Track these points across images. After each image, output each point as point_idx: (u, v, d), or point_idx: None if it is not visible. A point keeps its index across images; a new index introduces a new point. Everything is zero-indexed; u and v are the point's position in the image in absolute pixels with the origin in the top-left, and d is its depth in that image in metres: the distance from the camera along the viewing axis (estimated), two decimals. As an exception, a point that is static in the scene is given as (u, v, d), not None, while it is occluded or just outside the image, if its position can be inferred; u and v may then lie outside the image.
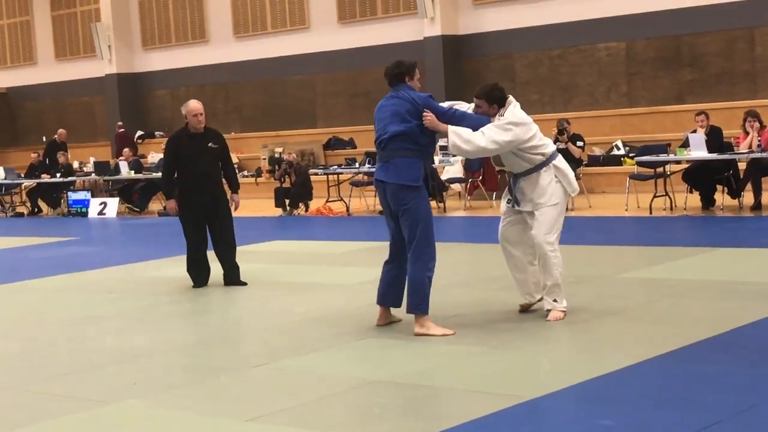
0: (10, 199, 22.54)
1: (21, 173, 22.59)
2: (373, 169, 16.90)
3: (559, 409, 5.21)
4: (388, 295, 7.27)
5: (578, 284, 8.67)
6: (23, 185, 22.44)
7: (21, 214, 21.45)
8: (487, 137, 6.89)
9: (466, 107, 7.29)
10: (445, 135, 6.93)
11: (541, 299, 7.42)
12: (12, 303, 9.71)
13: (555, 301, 7.27)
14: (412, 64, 7.11)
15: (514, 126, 7.01)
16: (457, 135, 6.86)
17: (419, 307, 6.96)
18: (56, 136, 22.68)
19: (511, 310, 7.76)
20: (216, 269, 9.74)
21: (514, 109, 7.12)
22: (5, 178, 22.54)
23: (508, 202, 7.43)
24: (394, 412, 5.33)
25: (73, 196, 20.49)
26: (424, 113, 6.85)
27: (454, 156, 16.05)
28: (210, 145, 9.65)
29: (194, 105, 9.67)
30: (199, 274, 9.65)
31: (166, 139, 10.39)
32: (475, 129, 6.90)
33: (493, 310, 7.79)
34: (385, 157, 6.96)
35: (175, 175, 9.61)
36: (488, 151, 7.00)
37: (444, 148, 18.31)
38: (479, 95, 7.16)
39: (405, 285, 7.11)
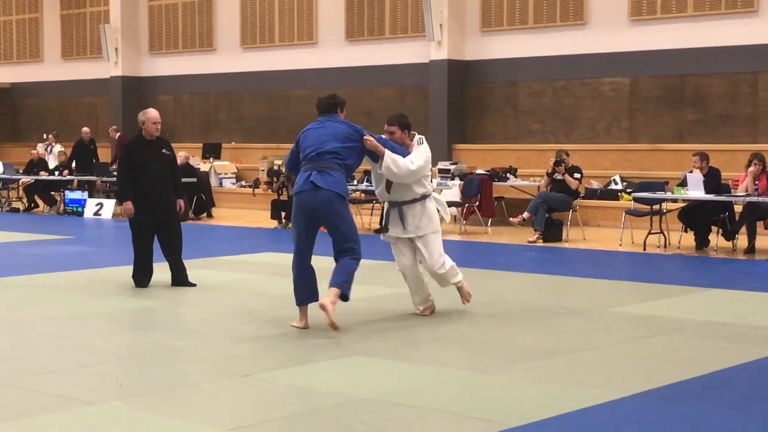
0: (7, 194, 22.55)
1: (20, 169, 22.61)
2: (371, 188, 17.00)
3: (541, 438, 5.23)
4: (312, 292, 7.95)
5: (567, 316, 8.71)
6: (21, 181, 22.46)
7: (17, 210, 21.46)
8: (412, 163, 8.02)
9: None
10: (379, 156, 7.93)
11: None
12: (1, 298, 9.70)
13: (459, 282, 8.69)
14: (344, 100, 8.15)
15: (427, 155, 8.22)
16: (392, 160, 7.93)
17: (344, 285, 7.78)
18: (82, 135, 22.57)
19: (497, 335, 7.79)
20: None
21: (424, 142, 8.30)
22: (4, 173, 22.56)
23: (384, 231, 8.49)
24: (377, 429, 5.34)
25: (70, 195, 20.51)
26: (365, 137, 7.86)
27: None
28: (163, 151, 10.24)
29: (154, 113, 10.28)
30: (144, 276, 10.16)
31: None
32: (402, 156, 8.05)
33: (481, 336, 7.82)
34: (321, 167, 7.73)
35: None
36: (413, 175, 8.07)
37: (441, 171, 18.39)
38: (392, 123, 8.26)
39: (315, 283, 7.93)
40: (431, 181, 8.76)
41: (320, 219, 7.78)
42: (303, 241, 7.88)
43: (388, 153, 7.93)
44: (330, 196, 7.68)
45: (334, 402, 5.85)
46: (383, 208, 8.72)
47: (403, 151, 8.14)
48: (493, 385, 6.28)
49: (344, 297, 7.81)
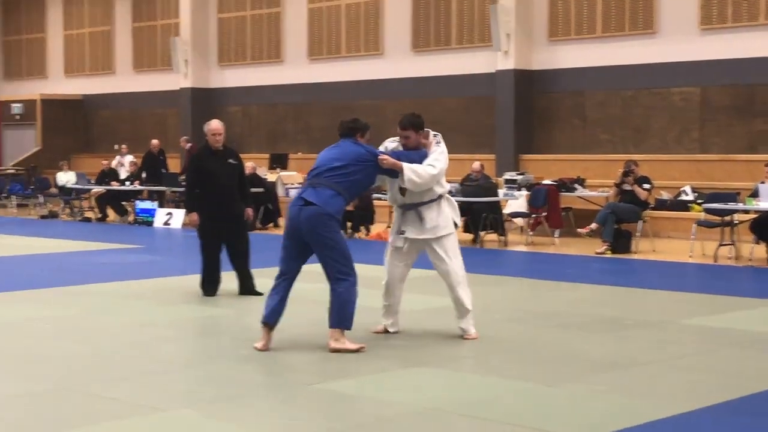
0: (79, 204, 22.94)
1: (91, 179, 22.99)
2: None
3: (610, 451, 5.18)
4: (279, 313, 7.59)
5: (637, 328, 8.60)
6: (92, 191, 22.84)
7: (89, 219, 21.81)
8: (433, 167, 7.71)
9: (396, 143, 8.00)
10: (399, 172, 7.60)
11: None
12: (74, 305, 9.87)
13: (470, 326, 8.06)
14: (367, 125, 7.83)
15: (445, 155, 7.88)
16: (413, 171, 7.62)
17: (343, 323, 7.41)
18: (151, 147, 23.00)
19: (565, 347, 7.72)
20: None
21: (441, 140, 7.95)
22: (76, 183, 22.97)
23: (400, 233, 8.00)
24: (443, 441, 5.33)
25: (140, 205, 20.80)
26: (380, 157, 7.57)
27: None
28: (230, 161, 10.31)
29: (214, 125, 10.32)
30: (212, 285, 10.25)
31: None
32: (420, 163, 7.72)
33: (548, 347, 7.76)
34: (316, 184, 7.50)
35: (197, 191, 10.27)
36: (434, 178, 7.74)
37: (508, 181, 18.32)
38: (406, 126, 7.87)
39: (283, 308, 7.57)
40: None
41: (305, 239, 7.43)
42: (286, 261, 7.61)
43: (406, 166, 7.61)
44: (315, 212, 7.36)
45: (400, 413, 5.85)
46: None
47: (419, 154, 7.80)
48: (562, 398, 6.22)
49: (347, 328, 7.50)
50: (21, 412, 5.94)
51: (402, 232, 7.98)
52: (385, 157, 7.62)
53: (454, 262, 7.98)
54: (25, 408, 6.02)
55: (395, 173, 7.68)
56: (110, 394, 6.26)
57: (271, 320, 7.58)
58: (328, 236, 7.39)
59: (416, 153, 7.83)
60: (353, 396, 6.28)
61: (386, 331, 8.22)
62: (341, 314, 7.41)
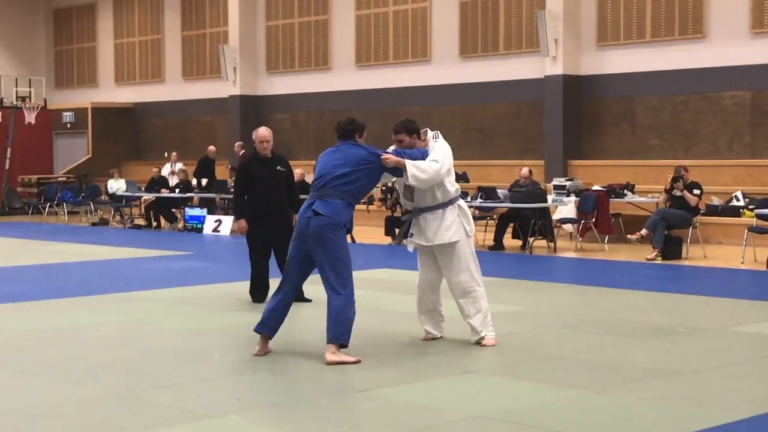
0: (129, 210, 23.16)
1: (141, 186, 23.22)
2: (486, 204, 16.87)
3: (661, 459, 5.12)
4: (276, 323, 7.62)
5: (688, 335, 8.51)
6: (143, 198, 23.06)
7: (139, 227, 22.03)
8: (435, 162, 7.62)
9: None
10: (402, 170, 7.55)
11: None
12: (125, 312, 9.97)
13: (489, 330, 7.97)
14: (363, 125, 7.77)
15: (447, 149, 7.78)
16: (415, 167, 7.54)
17: (341, 338, 7.31)
18: (209, 153, 23.50)
19: (616, 354, 7.65)
20: None
21: (440, 136, 7.86)
22: (126, 191, 23.20)
23: (407, 236, 7.98)
24: (492, 448, 5.30)
25: (190, 212, 20.96)
26: (383, 156, 7.52)
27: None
28: (278, 168, 10.36)
29: (262, 132, 10.34)
30: (260, 291, 10.29)
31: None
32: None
33: (597, 354, 7.69)
34: (324, 195, 7.43)
35: (245, 197, 10.33)
36: (440, 174, 7.64)
37: (557, 187, 18.22)
38: (398, 131, 7.83)
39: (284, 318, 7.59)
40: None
41: (310, 250, 7.38)
42: (291, 270, 7.56)
43: (409, 162, 7.53)
44: (325, 222, 7.31)
45: (450, 420, 5.83)
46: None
47: (421, 152, 7.73)
48: (613, 405, 6.17)
49: (343, 346, 7.38)
50: (72, 417, 6.00)
51: (411, 235, 7.95)
52: (388, 156, 7.57)
53: (457, 273, 7.85)
54: (77, 414, 6.07)
55: (400, 171, 7.61)
56: (160, 401, 6.30)
57: (264, 329, 7.60)
58: (335, 243, 7.35)
59: (418, 151, 7.77)
60: (402, 403, 6.26)
61: (432, 338, 8.18)
62: (336, 330, 7.31)
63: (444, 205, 7.84)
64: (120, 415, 6.01)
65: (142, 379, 6.97)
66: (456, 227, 7.82)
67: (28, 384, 6.87)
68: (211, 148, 23.84)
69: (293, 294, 7.70)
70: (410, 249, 8.11)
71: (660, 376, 6.92)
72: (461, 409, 6.04)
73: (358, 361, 7.30)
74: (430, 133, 7.90)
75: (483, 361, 7.46)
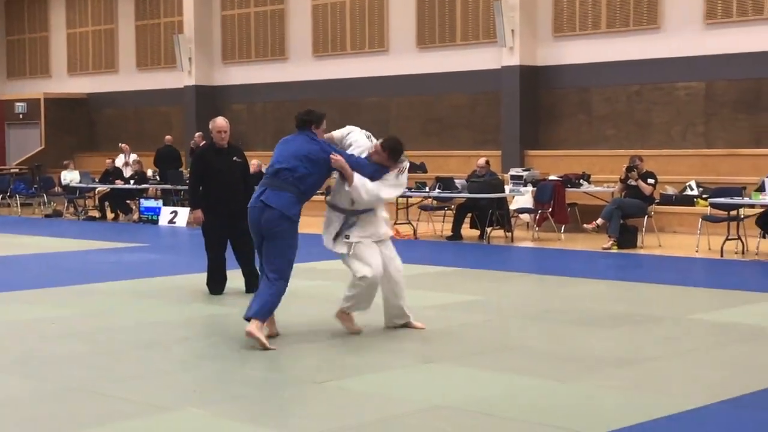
0: (83, 202, 22.93)
1: (95, 178, 22.98)
2: (444, 194, 16.91)
3: (622, 447, 5.14)
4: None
5: (646, 323, 8.58)
6: (97, 190, 22.82)
7: (93, 218, 21.80)
8: (384, 191, 7.79)
9: (357, 133, 8.05)
10: (347, 178, 7.65)
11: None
12: (80, 305, 9.86)
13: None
14: (321, 115, 7.84)
15: (401, 189, 8.14)
16: (364, 186, 7.66)
17: (260, 314, 7.49)
18: (166, 142, 23.38)
19: (576, 343, 7.70)
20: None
21: (405, 173, 8.02)
22: (80, 182, 22.95)
23: (345, 238, 7.91)
24: (454, 438, 5.30)
25: (145, 203, 20.78)
26: (332, 155, 7.61)
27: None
28: (234, 159, 10.30)
29: (219, 122, 10.29)
30: (217, 283, 10.28)
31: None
32: (370, 179, 7.71)
33: (558, 343, 7.73)
34: (275, 185, 7.58)
35: (201, 188, 10.28)
36: (382, 200, 7.87)
37: (514, 177, 18.29)
38: (385, 148, 7.81)
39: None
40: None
41: (264, 237, 7.59)
42: (262, 258, 7.76)
43: (359, 179, 7.63)
44: (276, 216, 7.51)
45: (411, 410, 5.82)
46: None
47: (371, 168, 7.77)
48: (573, 394, 6.19)
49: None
50: (29, 412, 5.91)
51: (347, 237, 7.90)
52: (338, 158, 7.64)
53: (397, 258, 8.15)
54: (34, 408, 5.98)
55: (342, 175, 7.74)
56: (119, 394, 6.23)
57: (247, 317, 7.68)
58: (285, 236, 7.57)
59: (370, 166, 7.80)
60: (362, 393, 6.24)
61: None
62: (264, 309, 7.52)
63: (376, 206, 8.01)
64: (77, 409, 5.94)
65: (99, 372, 6.89)
66: (383, 224, 8.08)
67: (-17, 378, 6.77)
68: (168, 137, 23.67)
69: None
70: (344, 251, 7.93)
71: (620, 364, 6.96)
72: (423, 399, 6.03)
73: (270, 348, 7.43)
74: (401, 166, 7.95)
75: (443, 351, 7.46)
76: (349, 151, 7.95)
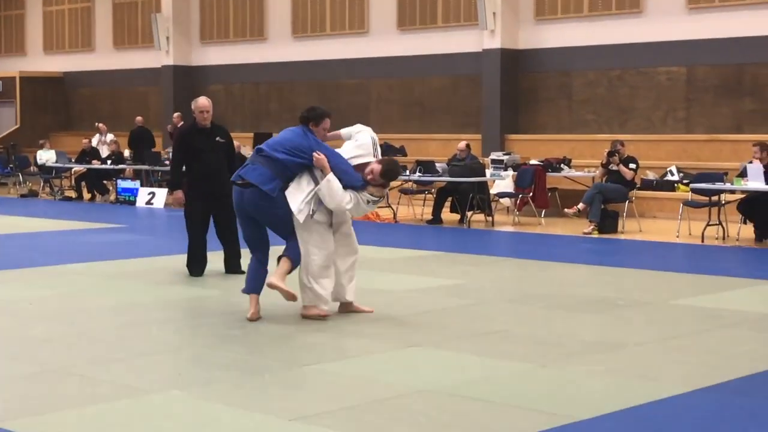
0: (59, 182, 22.72)
1: (72, 158, 22.76)
2: (424, 178, 16.83)
3: (608, 431, 5.10)
4: (258, 284, 7.88)
5: (630, 308, 8.55)
6: (73, 170, 22.61)
7: (69, 198, 21.61)
8: (349, 202, 7.69)
9: (366, 134, 8.05)
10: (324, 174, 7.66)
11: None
12: (58, 285, 9.73)
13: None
14: (322, 114, 7.94)
15: (367, 208, 7.93)
16: (329, 187, 7.62)
17: (297, 261, 7.74)
18: (137, 122, 23.26)
19: (559, 328, 7.65)
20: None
21: (378, 201, 7.99)
22: (56, 162, 22.73)
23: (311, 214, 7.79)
24: (440, 423, 5.24)
25: (123, 184, 20.60)
26: (315, 154, 7.66)
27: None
28: (217, 139, 10.15)
29: (202, 102, 10.13)
30: (198, 264, 10.18)
31: None
32: (346, 187, 7.68)
33: (541, 328, 7.68)
34: (257, 161, 7.74)
35: (183, 168, 10.17)
36: (342, 209, 7.75)
37: (494, 161, 18.24)
38: (384, 174, 7.75)
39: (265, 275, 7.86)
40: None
41: (252, 216, 7.79)
42: (250, 237, 7.92)
43: (329, 179, 7.61)
44: (254, 196, 7.67)
45: (396, 394, 5.76)
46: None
47: (354, 179, 7.75)
48: (557, 379, 6.15)
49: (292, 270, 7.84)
50: (6, 394, 5.81)
51: (313, 213, 7.79)
52: (321, 158, 7.68)
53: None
54: (11, 391, 5.88)
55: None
56: (99, 376, 6.13)
57: (256, 291, 7.87)
58: (272, 211, 7.71)
59: (353, 177, 7.77)
60: (348, 377, 6.18)
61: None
62: (298, 258, 7.73)
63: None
64: (58, 391, 5.84)
65: (79, 354, 6.79)
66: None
67: (-41, 359, 6.65)
68: (139, 118, 23.48)
69: (268, 250, 7.96)
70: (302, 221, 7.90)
71: (604, 349, 6.92)
72: (408, 383, 5.97)
73: (294, 298, 7.71)
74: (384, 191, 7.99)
75: (426, 335, 7.39)
76: (348, 144, 8.05)
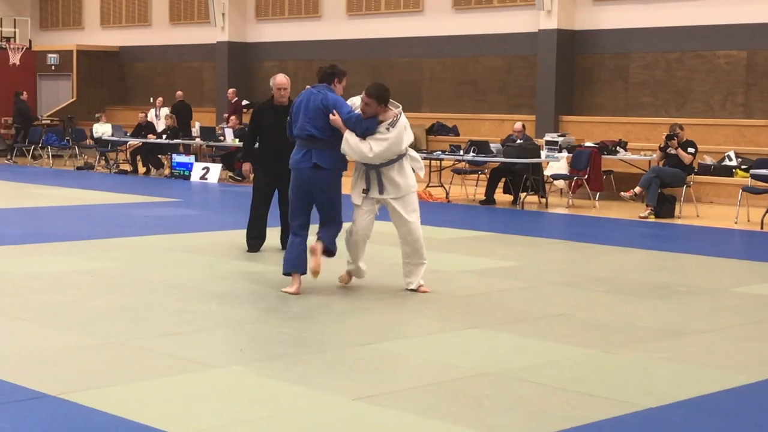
0: (115, 155, 22.89)
1: (127, 131, 22.91)
2: (478, 158, 16.72)
3: (678, 420, 5.02)
4: (304, 261, 8.10)
5: (692, 294, 8.44)
6: (129, 144, 22.77)
7: (125, 172, 21.77)
8: (371, 149, 7.83)
9: (357, 97, 8.13)
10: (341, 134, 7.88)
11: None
12: (117, 258, 9.79)
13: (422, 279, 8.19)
14: (344, 72, 8.20)
15: (392, 141, 7.89)
16: (347, 142, 7.83)
17: (333, 245, 8.14)
18: (178, 98, 23.48)
19: (620, 313, 7.57)
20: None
21: (400, 125, 7.93)
22: (112, 135, 22.90)
23: (363, 192, 8.09)
24: (504, 406, 5.20)
25: (177, 158, 20.70)
26: (332, 116, 7.86)
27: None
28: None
29: (280, 79, 10.15)
30: (257, 240, 10.25)
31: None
32: (363, 136, 7.86)
33: (601, 313, 7.61)
34: (318, 145, 7.95)
35: (256, 144, 10.31)
36: (368, 158, 7.89)
37: (549, 143, 18.09)
38: (370, 95, 7.86)
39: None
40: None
41: (314, 194, 8.01)
42: (301, 214, 8.10)
43: (347, 135, 7.84)
44: (329, 176, 7.98)
45: (458, 376, 5.72)
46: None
47: (363, 125, 7.88)
48: (622, 365, 6.08)
49: (330, 252, 8.10)
50: (73, 365, 5.85)
51: (366, 191, 8.06)
52: (336, 118, 7.84)
53: (414, 217, 8.09)
54: (74, 363, 5.91)
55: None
56: (160, 350, 6.16)
57: (302, 269, 8.05)
58: (337, 191, 8.09)
59: (364, 122, 7.88)
60: (406, 357, 6.16)
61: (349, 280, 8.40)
62: (330, 236, 8.09)
63: (400, 158, 8.04)
64: (121, 364, 5.88)
65: (141, 327, 6.83)
66: (412, 176, 8.14)
67: (26, 330, 6.71)
68: (179, 93, 23.66)
69: (307, 232, 8.16)
70: (359, 203, 8.14)
71: (667, 336, 6.84)
72: (469, 365, 5.93)
73: (315, 275, 7.96)
74: (394, 113, 7.96)
75: (485, 317, 7.35)
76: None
